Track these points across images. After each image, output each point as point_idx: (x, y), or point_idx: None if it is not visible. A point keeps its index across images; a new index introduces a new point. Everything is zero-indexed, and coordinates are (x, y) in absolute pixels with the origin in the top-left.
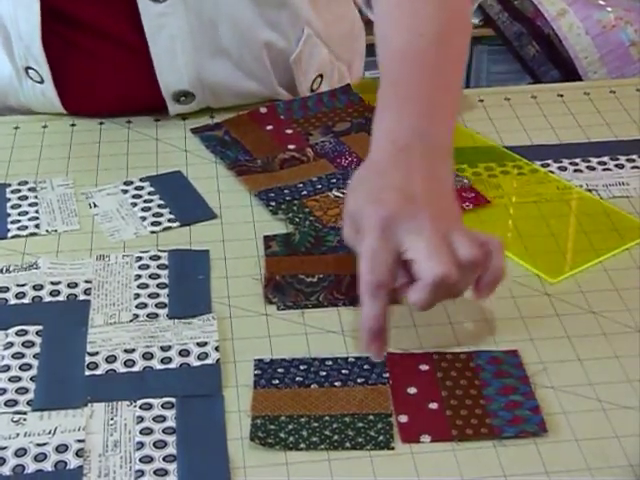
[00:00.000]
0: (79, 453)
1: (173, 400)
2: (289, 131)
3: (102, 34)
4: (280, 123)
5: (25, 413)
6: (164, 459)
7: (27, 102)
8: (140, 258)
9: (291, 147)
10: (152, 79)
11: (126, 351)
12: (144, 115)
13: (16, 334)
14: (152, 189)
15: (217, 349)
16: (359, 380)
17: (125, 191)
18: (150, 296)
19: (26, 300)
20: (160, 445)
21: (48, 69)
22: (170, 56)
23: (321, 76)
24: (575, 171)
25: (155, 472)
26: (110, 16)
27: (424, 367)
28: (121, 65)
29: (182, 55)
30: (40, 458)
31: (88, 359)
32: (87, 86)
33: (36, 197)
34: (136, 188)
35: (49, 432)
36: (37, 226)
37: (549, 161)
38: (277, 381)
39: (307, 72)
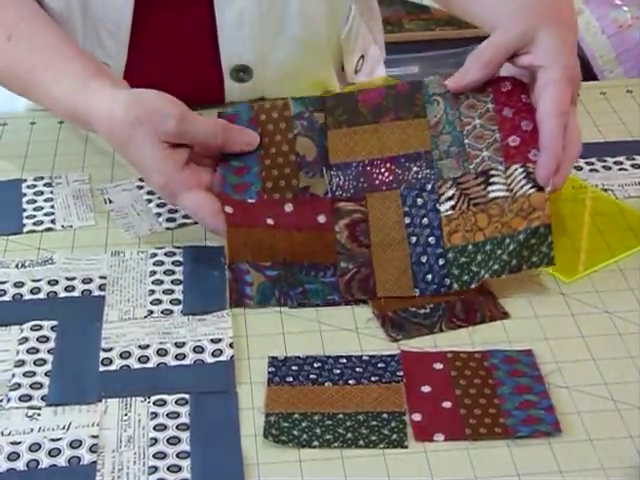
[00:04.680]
0: (93, 449)
1: (187, 396)
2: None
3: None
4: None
5: (39, 408)
6: (177, 455)
7: None
8: (155, 254)
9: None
10: (213, 55)
11: (140, 347)
12: None
13: (31, 329)
14: None
15: (231, 346)
16: (373, 378)
17: (140, 187)
18: (165, 292)
19: (41, 295)
20: (174, 441)
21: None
22: (236, 28)
23: (362, 57)
24: (591, 170)
25: (168, 468)
26: None
27: (438, 366)
28: (184, 38)
29: (248, 28)
30: (54, 453)
31: (102, 355)
32: (148, 60)
33: (52, 192)
34: None
35: (63, 427)
36: (53, 221)
37: None
38: (291, 378)
39: (354, 51)
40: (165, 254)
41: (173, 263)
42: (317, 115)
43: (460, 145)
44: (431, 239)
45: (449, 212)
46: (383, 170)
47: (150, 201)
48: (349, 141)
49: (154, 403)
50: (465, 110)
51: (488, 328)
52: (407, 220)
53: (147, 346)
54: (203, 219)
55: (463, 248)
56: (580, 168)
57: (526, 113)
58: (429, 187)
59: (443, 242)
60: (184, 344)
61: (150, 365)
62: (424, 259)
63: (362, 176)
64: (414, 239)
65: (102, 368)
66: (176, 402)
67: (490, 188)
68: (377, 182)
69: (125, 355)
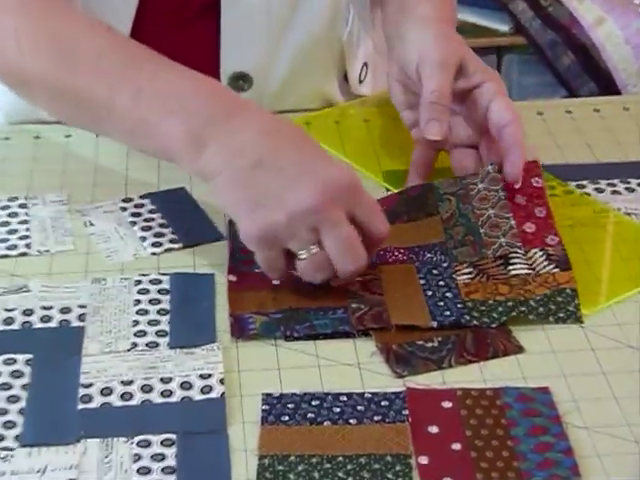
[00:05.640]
0: None
1: (174, 437)
2: None
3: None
4: None
5: (12, 449)
6: None
7: None
8: (139, 282)
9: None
10: (212, 61)
11: (123, 383)
12: None
13: (4, 363)
14: (153, 207)
15: (222, 382)
16: (376, 418)
17: (124, 209)
18: (150, 323)
19: (15, 326)
20: None
21: None
22: (240, 31)
23: (366, 65)
24: (613, 193)
25: None
26: None
27: (447, 404)
28: (186, 45)
29: (253, 31)
30: None
31: (81, 391)
32: None
33: (27, 214)
34: (136, 206)
35: (38, 471)
36: (28, 245)
37: (585, 182)
38: (287, 417)
39: (356, 57)
40: (150, 282)
41: (159, 291)
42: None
43: (476, 234)
44: (448, 294)
45: (467, 281)
46: (397, 254)
47: (134, 224)
48: None
49: (138, 444)
50: (477, 203)
51: (501, 363)
52: (422, 282)
53: (130, 382)
54: (357, 247)
55: (484, 301)
56: (601, 190)
57: (538, 199)
58: (445, 265)
59: (461, 298)
60: (171, 380)
61: (133, 402)
62: (441, 303)
63: (375, 257)
64: (430, 293)
65: (81, 406)
66: (162, 443)
67: (511, 267)
68: (390, 260)
69: (106, 392)
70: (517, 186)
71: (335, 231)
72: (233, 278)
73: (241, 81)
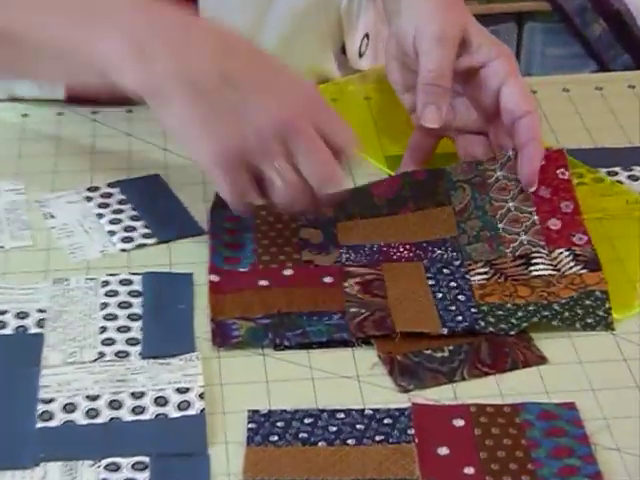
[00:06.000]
0: None
1: (146, 460)
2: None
3: None
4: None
5: None
6: None
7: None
8: (107, 282)
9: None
10: None
11: (88, 398)
12: (115, 106)
13: None
14: (123, 197)
15: (202, 397)
16: (378, 438)
17: (89, 199)
18: (119, 330)
19: None
20: None
21: None
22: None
23: (367, 37)
24: None
25: None
26: None
27: (459, 422)
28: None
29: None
30: None
31: (41, 407)
32: None
33: None
34: (103, 195)
35: None
36: None
37: (617, 168)
38: (276, 437)
39: (356, 28)
40: (120, 282)
41: (130, 293)
42: (324, 209)
43: (493, 229)
44: (461, 297)
45: (482, 282)
46: (402, 250)
47: (101, 216)
48: (363, 230)
49: (105, 468)
50: (496, 194)
51: (521, 376)
52: (431, 282)
53: (97, 397)
54: (331, 159)
55: (501, 305)
56: (636, 178)
57: (565, 192)
58: (457, 263)
59: (475, 301)
60: (143, 395)
61: (100, 420)
62: (452, 307)
63: (377, 254)
64: (440, 295)
65: (40, 424)
66: (133, 467)
67: (532, 268)
68: (395, 257)
69: (69, 408)
70: (532, 190)
71: (307, 143)
72: (215, 278)
73: None
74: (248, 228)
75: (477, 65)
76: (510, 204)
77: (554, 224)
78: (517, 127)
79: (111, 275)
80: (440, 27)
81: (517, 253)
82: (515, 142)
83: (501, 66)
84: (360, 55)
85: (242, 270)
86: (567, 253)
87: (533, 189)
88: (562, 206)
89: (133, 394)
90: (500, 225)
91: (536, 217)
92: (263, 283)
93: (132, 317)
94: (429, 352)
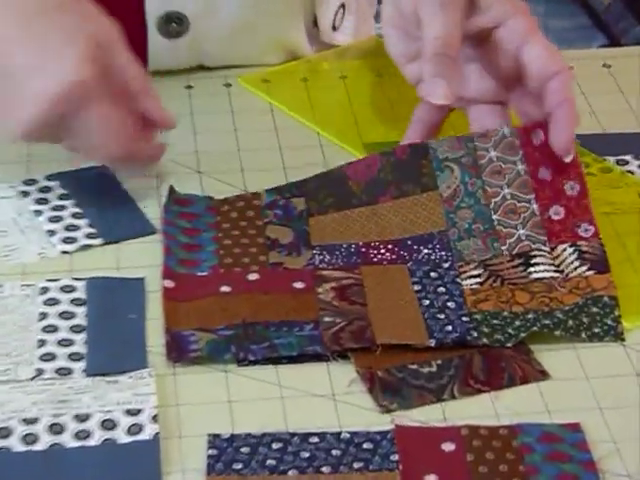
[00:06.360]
0: None
1: None
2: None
3: None
4: None
5: None
6: None
7: None
8: (46, 289)
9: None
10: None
11: (25, 421)
12: None
13: None
14: (64, 191)
15: (155, 419)
16: (356, 465)
17: (25, 193)
18: (60, 343)
19: None
20: None
21: None
22: None
23: (343, 6)
24: None
25: None
26: None
27: (449, 446)
28: None
29: None
30: None
31: None
32: None
33: None
34: (41, 190)
35: None
36: None
37: (627, 157)
38: (240, 465)
39: None
40: (61, 289)
41: (73, 302)
42: (295, 201)
43: (487, 221)
44: (450, 304)
45: (475, 286)
46: (383, 251)
47: (39, 213)
48: (338, 226)
49: None
50: (489, 178)
51: (519, 393)
52: (417, 287)
53: (35, 420)
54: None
55: (496, 314)
56: None
57: (569, 170)
58: (446, 265)
59: (467, 308)
60: (88, 417)
61: (39, 447)
62: (441, 316)
63: (355, 255)
64: (427, 302)
65: None
66: None
67: (532, 269)
68: (375, 259)
69: (4, 433)
70: (568, 159)
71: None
72: (170, 284)
73: (174, 24)
74: (208, 227)
75: (490, 25)
76: (506, 191)
77: (557, 213)
78: (546, 90)
79: (51, 281)
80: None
81: (515, 251)
82: (545, 107)
83: (518, 24)
84: (334, 28)
85: (201, 274)
86: (571, 250)
87: (570, 159)
88: (566, 188)
89: (77, 417)
90: (495, 216)
91: (535, 206)
92: (225, 289)
93: (75, 329)
94: (414, 367)
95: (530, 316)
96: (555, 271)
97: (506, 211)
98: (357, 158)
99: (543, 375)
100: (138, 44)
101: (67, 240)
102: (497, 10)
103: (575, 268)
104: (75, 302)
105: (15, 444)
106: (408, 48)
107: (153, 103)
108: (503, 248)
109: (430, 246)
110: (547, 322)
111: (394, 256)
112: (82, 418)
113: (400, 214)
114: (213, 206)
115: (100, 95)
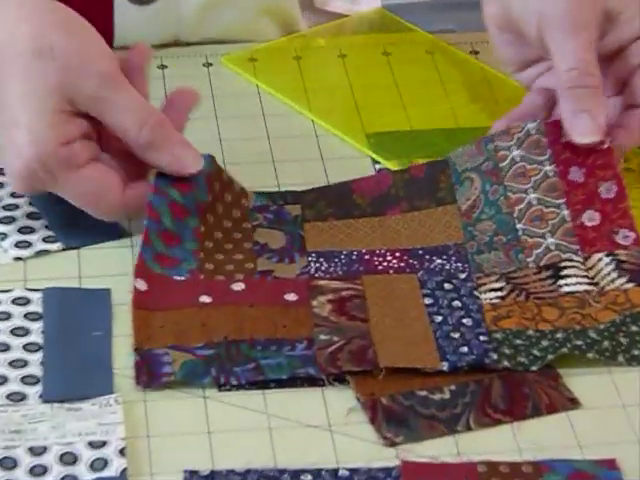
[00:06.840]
0: None
1: None
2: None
3: None
4: None
5: None
6: None
7: None
8: None
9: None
10: None
11: None
12: None
13: None
14: None
15: (123, 453)
16: None
17: None
18: (12, 365)
19: None
20: None
21: None
22: None
23: None
24: None
25: None
26: None
27: None
28: None
29: None
30: None
31: None
32: None
33: None
34: None
35: None
36: None
37: None
38: None
39: None
40: (13, 301)
41: (26, 316)
42: (289, 207)
43: (510, 231)
44: (466, 320)
45: (495, 301)
46: (390, 258)
47: None
48: (338, 233)
49: None
50: (512, 182)
51: (545, 424)
52: (428, 301)
53: None
54: (107, 196)
55: (520, 332)
56: None
57: (604, 169)
58: (462, 276)
59: (486, 326)
60: (45, 450)
61: None
62: (456, 334)
63: (357, 263)
64: (439, 318)
65: None
66: None
67: (562, 282)
68: (380, 267)
69: None
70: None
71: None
72: (142, 286)
73: None
74: (195, 209)
75: (626, 42)
76: (531, 195)
77: (591, 218)
78: None
79: (1, 292)
80: (574, 14)
81: (542, 262)
82: None
83: None
84: None
85: (178, 279)
86: (608, 260)
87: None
88: (601, 190)
89: (31, 449)
90: (519, 225)
91: (566, 211)
92: (205, 300)
93: (29, 348)
94: (424, 393)
95: (559, 335)
96: (589, 284)
97: (532, 218)
98: (360, 152)
99: (573, 403)
100: (102, 13)
101: (20, 244)
102: (637, 24)
103: (612, 280)
104: (30, 316)
105: None
106: (521, 53)
107: (167, 157)
108: (529, 260)
109: (445, 257)
110: (579, 343)
111: (402, 264)
112: (38, 451)
113: (411, 227)
114: (211, 177)
115: (85, 159)
